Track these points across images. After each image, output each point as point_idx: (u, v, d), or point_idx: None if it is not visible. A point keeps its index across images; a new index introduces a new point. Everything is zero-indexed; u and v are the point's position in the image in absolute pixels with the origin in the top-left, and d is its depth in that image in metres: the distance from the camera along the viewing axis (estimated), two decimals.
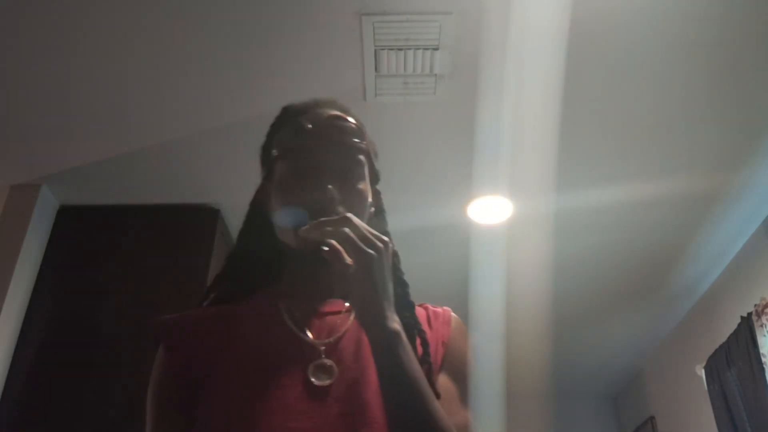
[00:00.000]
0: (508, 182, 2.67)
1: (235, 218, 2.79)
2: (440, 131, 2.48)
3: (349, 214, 0.77)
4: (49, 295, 2.61)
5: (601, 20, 2.04)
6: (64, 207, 2.78)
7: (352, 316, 0.89)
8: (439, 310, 0.96)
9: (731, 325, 3.12)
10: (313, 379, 0.82)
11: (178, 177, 2.67)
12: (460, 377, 0.90)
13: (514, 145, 2.44)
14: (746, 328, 2.97)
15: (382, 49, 2.12)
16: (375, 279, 0.74)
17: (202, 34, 2.07)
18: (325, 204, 0.84)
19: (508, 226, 2.92)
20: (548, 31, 2.06)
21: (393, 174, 2.66)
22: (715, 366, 3.28)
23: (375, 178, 0.97)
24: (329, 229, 0.76)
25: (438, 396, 0.79)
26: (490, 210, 2.87)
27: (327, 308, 0.90)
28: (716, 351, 3.27)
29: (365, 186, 0.91)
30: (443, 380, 0.88)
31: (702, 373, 3.42)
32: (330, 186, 0.85)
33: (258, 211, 0.97)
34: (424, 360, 0.84)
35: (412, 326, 0.86)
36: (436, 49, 2.12)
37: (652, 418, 4.35)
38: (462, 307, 3.36)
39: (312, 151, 0.89)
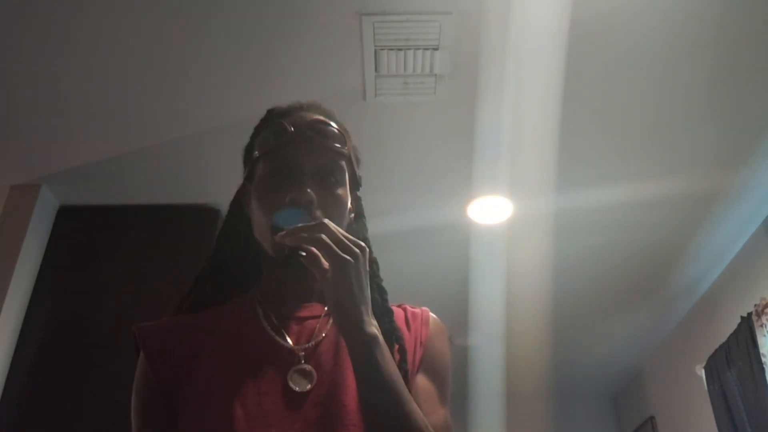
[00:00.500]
0: (508, 182, 2.67)
1: None
2: (440, 131, 2.48)
3: (326, 220, 0.78)
4: (49, 295, 2.61)
5: (601, 20, 2.03)
6: (64, 207, 2.78)
7: (330, 321, 0.89)
8: (417, 310, 0.97)
9: (731, 325, 3.12)
10: (292, 385, 0.82)
11: (178, 177, 2.67)
12: (439, 377, 0.91)
13: (514, 145, 2.44)
14: (746, 328, 2.97)
15: (382, 49, 2.12)
16: (351, 283, 0.75)
17: (202, 34, 2.06)
18: (302, 206, 0.84)
19: (508, 226, 2.92)
20: (548, 31, 2.06)
21: (393, 174, 2.68)
22: (715, 366, 3.27)
23: (356, 184, 0.98)
24: (305, 234, 0.76)
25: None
26: (490, 210, 2.87)
27: (305, 313, 0.91)
28: (716, 351, 3.27)
29: (344, 192, 0.92)
30: (421, 380, 0.89)
31: (702, 373, 3.42)
32: (308, 189, 0.85)
33: (237, 212, 0.98)
34: (401, 367, 0.84)
35: (390, 332, 0.88)
36: (436, 49, 2.12)
37: (652, 418, 4.35)
38: (462, 307, 3.38)
39: (292, 153, 0.89)
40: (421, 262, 3.15)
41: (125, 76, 2.20)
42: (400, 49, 2.13)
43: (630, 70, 2.22)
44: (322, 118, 0.93)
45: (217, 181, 2.64)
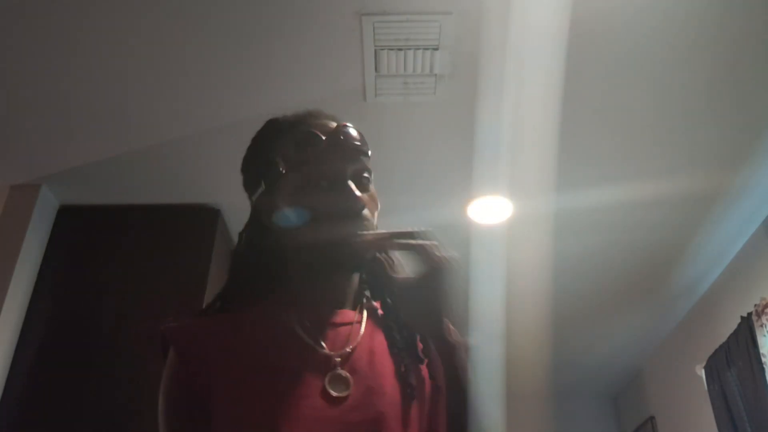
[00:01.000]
0: (508, 182, 2.67)
1: (235, 218, 2.79)
2: (440, 131, 2.48)
3: (429, 229, 0.87)
4: (49, 295, 2.61)
5: (601, 20, 2.04)
6: (64, 207, 2.78)
7: (363, 327, 0.91)
8: None
9: (731, 325, 3.12)
10: (330, 389, 0.83)
11: (178, 177, 2.67)
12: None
13: (514, 145, 2.44)
14: (746, 328, 2.97)
15: (382, 49, 2.12)
16: (449, 285, 0.84)
17: (202, 34, 2.06)
18: (357, 211, 0.88)
19: (508, 226, 2.92)
20: (548, 31, 2.06)
21: (393, 174, 2.67)
22: (715, 366, 3.27)
23: None
24: (411, 242, 0.85)
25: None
26: (490, 210, 2.87)
27: (339, 319, 0.91)
28: (716, 351, 3.27)
29: (374, 189, 0.95)
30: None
31: (702, 373, 3.42)
32: (359, 194, 0.89)
33: (261, 224, 0.96)
34: (426, 354, 0.91)
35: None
36: (436, 49, 2.12)
37: (652, 418, 4.35)
38: (461, 306, 3.38)
39: (330, 159, 0.90)
40: None
41: (125, 76, 2.20)
42: (400, 49, 2.13)
43: (630, 70, 2.22)
44: (344, 123, 0.95)
45: (217, 181, 2.65)
